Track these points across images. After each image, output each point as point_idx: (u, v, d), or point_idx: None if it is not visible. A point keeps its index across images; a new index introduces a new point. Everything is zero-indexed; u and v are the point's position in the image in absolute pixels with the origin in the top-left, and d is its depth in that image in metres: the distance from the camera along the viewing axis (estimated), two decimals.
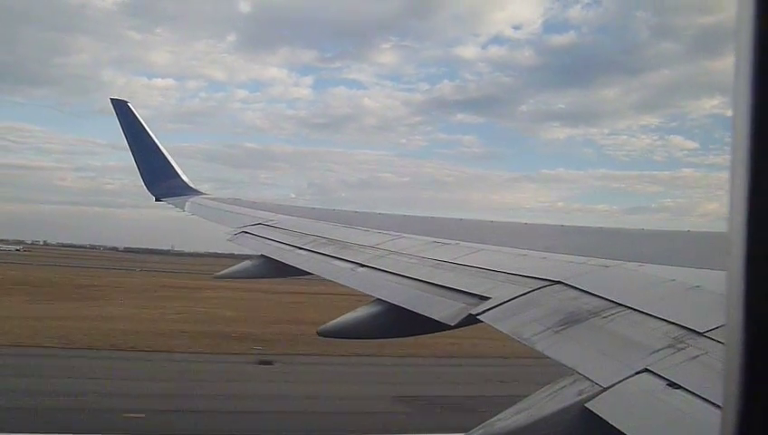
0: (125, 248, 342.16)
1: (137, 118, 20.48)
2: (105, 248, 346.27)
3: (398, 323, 6.01)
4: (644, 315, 4.05)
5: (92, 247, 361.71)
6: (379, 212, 12.35)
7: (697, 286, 4.28)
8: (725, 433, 1.31)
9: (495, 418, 3.63)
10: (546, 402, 3.53)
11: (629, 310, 4.21)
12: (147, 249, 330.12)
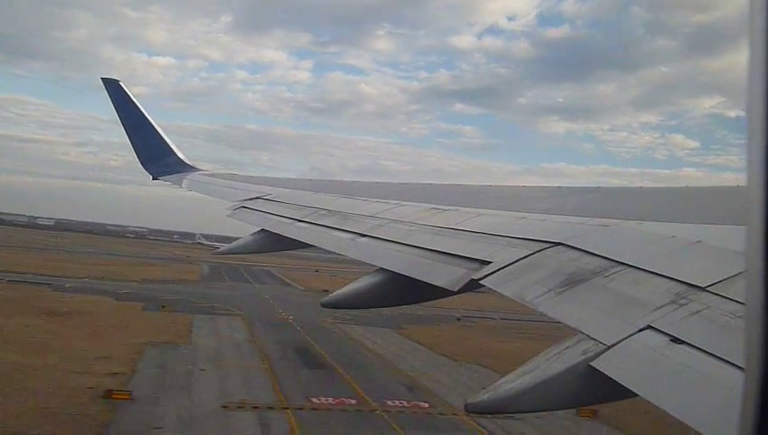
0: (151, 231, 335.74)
1: (129, 96, 20.28)
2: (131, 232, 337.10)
3: (400, 290, 6.02)
4: (645, 273, 4.07)
5: (119, 227, 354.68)
6: (377, 181, 12.31)
7: (698, 242, 4.29)
8: (747, 397, 1.31)
9: (501, 380, 3.66)
10: (551, 363, 3.56)
11: (630, 268, 4.22)
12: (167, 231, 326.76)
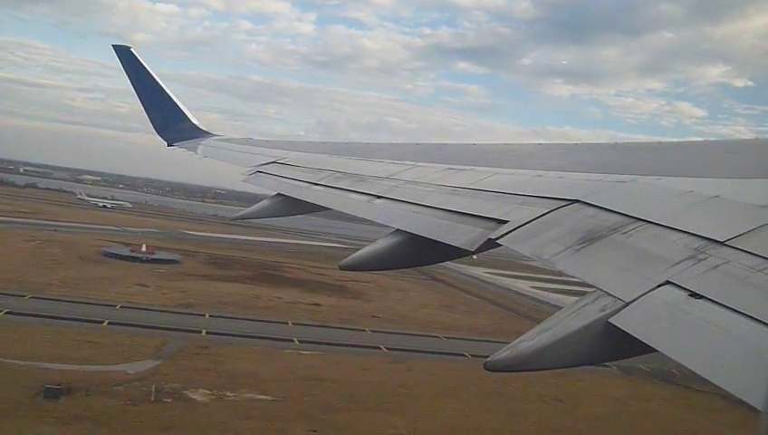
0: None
1: (141, 64, 20.20)
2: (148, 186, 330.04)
3: (417, 251, 6.05)
4: (663, 228, 4.05)
5: (148, 182, 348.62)
6: (392, 142, 12.26)
7: (716, 196, 4.25)
8: None
9: (519, 339, 3.69)
10: (570, 320, 3.58)
11: (648, 224, 4.20)
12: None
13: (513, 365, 3.62)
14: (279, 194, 9.89)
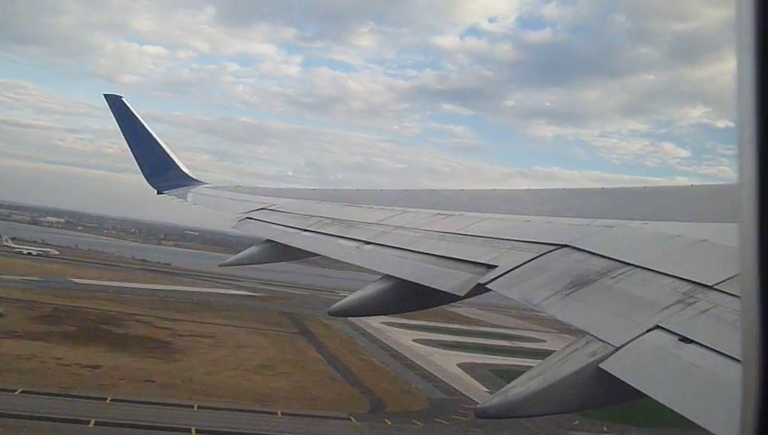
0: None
1: (132, 112, 20.41)
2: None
3: (406, 297, 6.02)
4: (652, 273, 4.05)
5: (134, 224, 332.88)
6: (381, 189, 12.32)
7: (704, 240, 4.27)
8: (747, 389, 1.30)
9: (510, 385, 3.65)
10: (560, 366, 3.54)
11: (637, 268, 4.20)
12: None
13: (504, 412, 3.57)
14: (268, 240, 9.88)
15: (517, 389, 3.56)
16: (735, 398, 2.67)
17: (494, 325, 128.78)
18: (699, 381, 2.92)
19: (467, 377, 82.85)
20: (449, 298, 5.41)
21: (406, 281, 5.92)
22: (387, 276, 6.24)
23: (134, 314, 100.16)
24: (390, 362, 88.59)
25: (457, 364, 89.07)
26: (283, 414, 61.25)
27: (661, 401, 2.91)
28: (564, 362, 3.55)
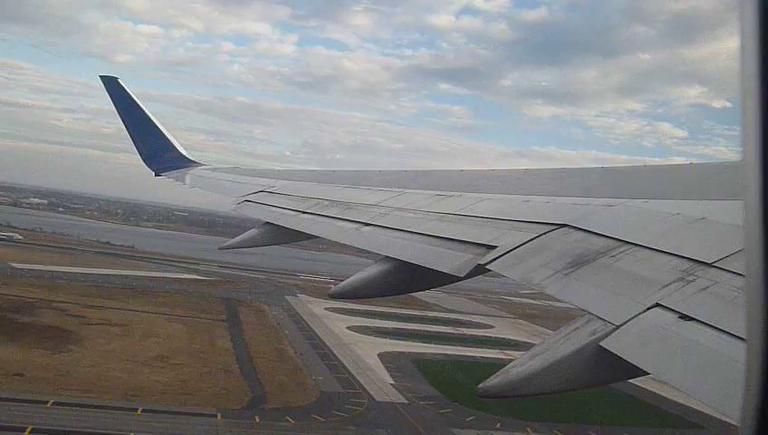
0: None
1: (128, 93, 20.26)
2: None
3: (406, 278, 6.03)
4: (651, 251, 4.06)
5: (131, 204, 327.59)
6: (379, 170, 12.29)
7: (703, 218, 4.28)
8: (751, 365, 1.32)
9: (511, 364, 3.67)
10: (560, 345, 3.56)
11: (636, 247, 4.21)
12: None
13: (505, 391, 3.60)
14: (267, 222, 9.87)
15: (518, 368, 3.58)
16: (735, 375, 2.70)
17: (448, 310, 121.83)
18: (699, 359, 2.95)
19: (380, 368, 77.34)
20: (449, 279, 5.43)
21: (406, 262, 5.93)
22: (386, 258, 6.26)
23: (53, 302, 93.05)
24: (307, 351, 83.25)
25: (378, 354, 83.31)
26: (144, 411, 55.84)
27: (662, 379, 2.94)
28: (565, 340, 3.57)
